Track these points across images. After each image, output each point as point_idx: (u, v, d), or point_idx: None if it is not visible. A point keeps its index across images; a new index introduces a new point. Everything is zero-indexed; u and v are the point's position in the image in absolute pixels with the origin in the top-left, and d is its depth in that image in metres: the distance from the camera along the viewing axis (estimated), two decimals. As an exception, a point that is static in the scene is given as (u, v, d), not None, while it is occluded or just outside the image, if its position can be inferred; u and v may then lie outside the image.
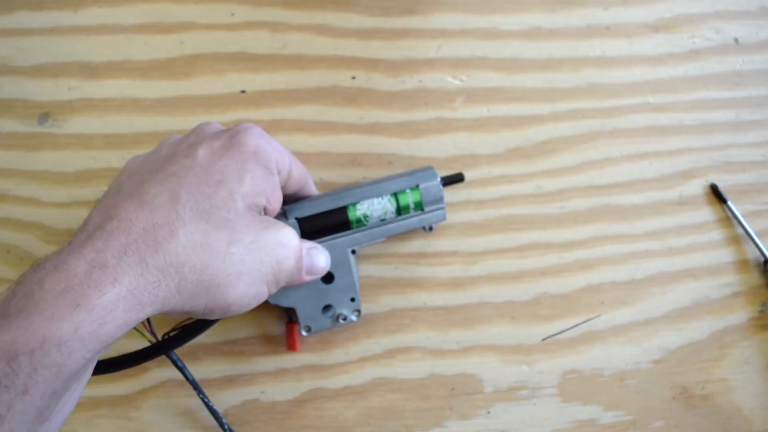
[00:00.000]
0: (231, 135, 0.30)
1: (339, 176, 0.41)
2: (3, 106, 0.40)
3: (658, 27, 0.43)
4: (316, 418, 0.40)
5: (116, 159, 0.40)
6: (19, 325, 0.23)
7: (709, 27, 0.44)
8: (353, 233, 0.37)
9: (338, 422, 0.40)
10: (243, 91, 0.41)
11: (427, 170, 0.37)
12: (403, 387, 0.40)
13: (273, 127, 0.41)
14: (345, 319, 0.38)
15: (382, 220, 0.37)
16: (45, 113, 0.40)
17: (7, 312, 0.23)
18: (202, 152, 0.29)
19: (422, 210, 0.37)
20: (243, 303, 0.29)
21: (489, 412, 0.41)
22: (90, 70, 0.41)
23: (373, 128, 0.41)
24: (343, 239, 0.37)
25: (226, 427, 0.38)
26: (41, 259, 0.25)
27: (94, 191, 0.40)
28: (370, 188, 0.37)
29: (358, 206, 0.36)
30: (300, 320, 0.37)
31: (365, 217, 0.36)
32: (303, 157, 0.41)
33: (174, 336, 0.34)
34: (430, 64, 0.42)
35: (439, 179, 0.37)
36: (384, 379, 0.40)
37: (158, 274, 0.26)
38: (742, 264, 0.43)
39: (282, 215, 0.36)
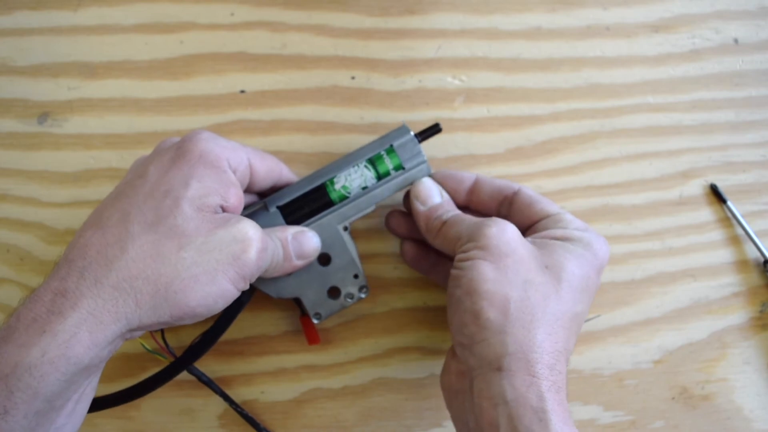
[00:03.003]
0: (177, 146, 0.31)
1: (339, 176, 0.41)
2: (3, 106, 0.40)
3: (658, 27, 0.43)
4: (315, 418, 0.40)
5: (116, 159, 0.40)
6: None
7: (709, 27, 0.44)
8: (338, 208, 0.36)
9: (338, 422, 0.40)
10: (243, 91, 0.41)
11: (399, 129, 0.37)
12: (402, 387, 0.40)
13: (272, 128, 0.41)
14: (352, 297, 0.37)
15: (364, 188, 0.36)
16: (45, 113, 0.40)
17: None
18: (152, 169, 0.30)
19: (403, 168, 0.36)
20: (209, 304, 0.29)
21: (489, 412, 0.41)
22: (90, 70, 0.41)
23: (373, 128, 0.41)
24: (329, 217, 0.36)
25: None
26: (29, 294, 0.28)
27: (94, 191, 0.40)
28: (343, 160, 0.36)
29: (336, 180, 0.36)
30: (307, 308, 0.37)
31: (345, 189, 0.36)
32: (302, 157, 0.41)
33: (188, 350, 0.34)
34: (429, 64, 0.42)
35: (412, 133, 0.36)
36: (383, 379, 0.40)
37: (113, 291, 0.27)
38: (742, 264, 0.43)
39: (263, 208, 0.35)
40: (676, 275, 0.42)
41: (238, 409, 0.38)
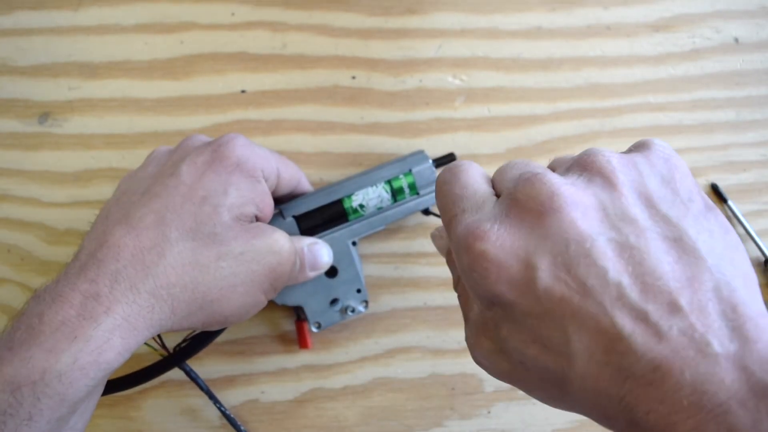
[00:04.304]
0: (213, 149, 0.30)
1: (339, 176, 0.41)
2: (3, 106, 0.40)
3: (658, 27, 0.43)
4: (316, 418, 0.40)
5: (116, 159, 0.40)
6: (21, 358, 0.24)
7: (709, 26, 0.44)
8: (351, 224, 0.37)
9: (338, 422, 0.40)
10: (243, 91, 0.41)
11: (418, 154, 0.38)
12: (403, 387, 0.40)
13: (273, 127, 0.41)
14: (353, 311, 0.38)
15: (379, 208, 0.37)
16: (45, 113, 0.40)
17: (11, 344, 0.25)
18: (185, 169, 0.29)
19: (417, 194, 0.37)
20: (241, 313, 0.29)
21: (489, 412, 0.41)
22: (90, 70, 0.41)
23: (373, 128, 0.41)
24: (342, 231, 0.37)
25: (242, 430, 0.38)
26: (41, 287, 0.26)
27: (94, 191, 0.40)
28: (363, 178, 0.37)
29: (354, 197, 0.36)
30: (309, 317, 0.37)
31: (361, 207, 0.36)
32: (303, 157, 0.41)
33: (185, 347, 0.35)
34: (430, 63, 0.42)
35: (431, 162, 0.37)
36: (384, 379, 0.40)
37: (150, 298, 0.26)
38: (743, 264, 0.43)
39: (278, 215, 0.36)
40: (677, 275, 0.42)
41: (223, 410, 0.38)
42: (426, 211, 0.38)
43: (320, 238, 0.36)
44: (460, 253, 0.22)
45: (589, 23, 0.43)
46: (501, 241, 0.21)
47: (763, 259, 0.42)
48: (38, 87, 0.40)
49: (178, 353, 0.35)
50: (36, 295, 0.26)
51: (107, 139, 0.40)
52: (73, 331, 0.24)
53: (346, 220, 0.37)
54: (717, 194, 0.43)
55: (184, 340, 0.35)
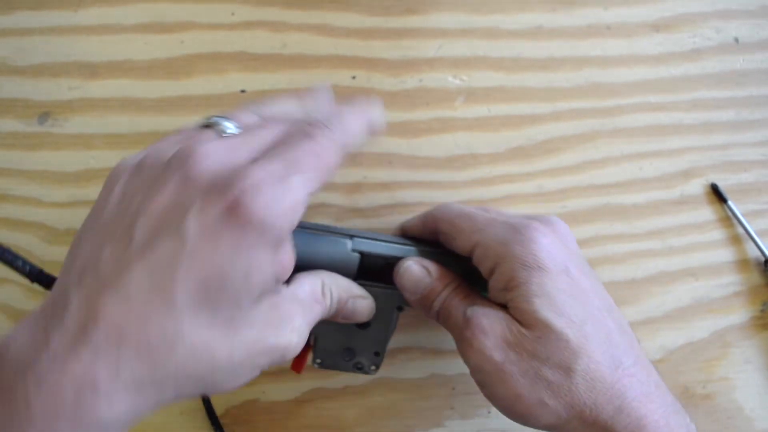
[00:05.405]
0: (229, 204, 0.23)
1: (339, 176, 0.41)
2: (3, 106, 0.40)
3: (658, 26, 0.43)
4: (316, 417, 0.40)
5: (116, 159, 0.40)
6: None
7: (709, 26, 0.44)
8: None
9: (338, 422, 0.40)
10: (243, 91, 0.41)
11: None
12: (403, 386, 0.40)
13: (273, 127, 0.41)
14: (361, 368, 0.35)
15: None
16: (45, 113, 0.40)
17: None
18: (192, 230, 0.23)
19: (485, 289, 0.33)
20: (235, 387, 0.27)
21: (490, 412, 0.40)
22: (90, 70, 0.41)
23: (373, 128, 0.41)
24: (396, 292, 0.34)
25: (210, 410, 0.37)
26: (18, 351, 0.22)
27: (94, 191, 0.40)
28: (447, 258, 0.34)
29: None
30: (316, 351, 0.35)
31: None
32: (303, 156, 0.41)
33: None
34: (430, 63, 0.42)
35: None
36: (384, 379, 0.40)
37: (156, 387, 0.23)
38: (743, 263, 0.43)
39: (347, 237, 0.33)
40: (677, 275, 0.42)
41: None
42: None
43: (371, 288, 0.33)
44: None
45: (589, 23, 0.43)
46: None
47: (763, 258, 0.42)
48: (38, 87, 0.40)
49: None
50: (16, 366, 0.22)
51: (107, 139, 0.40)
52: (71, 423, 0.21)
53: None
54: (717, 194, 0.43)
55: None
